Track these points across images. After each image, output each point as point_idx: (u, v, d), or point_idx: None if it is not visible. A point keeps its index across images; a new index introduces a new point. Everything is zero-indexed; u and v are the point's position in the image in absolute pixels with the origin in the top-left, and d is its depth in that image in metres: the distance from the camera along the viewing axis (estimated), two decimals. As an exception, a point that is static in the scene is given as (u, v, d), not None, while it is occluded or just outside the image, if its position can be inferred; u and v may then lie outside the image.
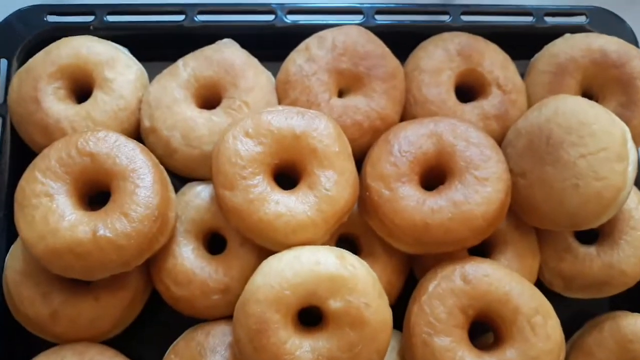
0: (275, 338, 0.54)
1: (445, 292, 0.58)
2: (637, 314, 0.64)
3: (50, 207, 0.58)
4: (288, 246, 0.58)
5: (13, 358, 0.65)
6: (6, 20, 0.70)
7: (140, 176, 0.59)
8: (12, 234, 0.65)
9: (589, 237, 0.67)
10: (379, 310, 0.56)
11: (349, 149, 0.61)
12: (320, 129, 0.60)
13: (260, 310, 0.54)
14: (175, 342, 0.63)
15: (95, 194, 0.62)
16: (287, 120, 0.60)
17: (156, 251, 0.60)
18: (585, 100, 0.62)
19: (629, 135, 0.60)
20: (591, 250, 0.66)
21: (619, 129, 0.59)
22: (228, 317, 0.62)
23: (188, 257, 0.63)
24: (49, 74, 0.65)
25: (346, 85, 0.68)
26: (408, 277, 0.66)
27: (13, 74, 0.68)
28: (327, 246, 0.58)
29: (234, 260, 0.62)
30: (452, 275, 0.59)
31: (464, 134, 0.62)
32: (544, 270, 0.66)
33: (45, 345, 0.62)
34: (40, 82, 0.65)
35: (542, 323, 0.57)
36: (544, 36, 0.73)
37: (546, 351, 0.56)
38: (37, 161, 0.60)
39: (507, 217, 0.65)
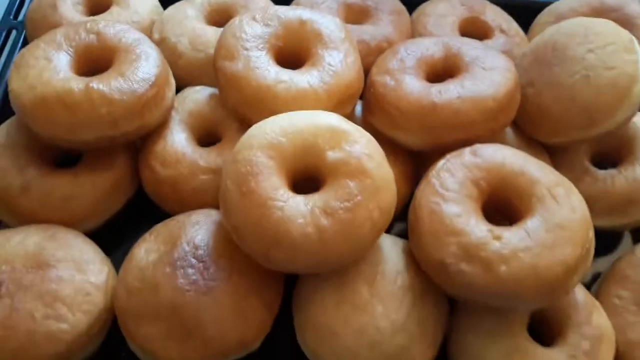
0: (266, 182, 0.48)
1: (455, 165, 0.53)
2: (671, 234, 0.58)
3: (47, 66, 0.56)
4: (286, 118, 0.55)
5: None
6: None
7: (144, 51, 0.59)
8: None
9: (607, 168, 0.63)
10: (382, 167, 0.50)
11: (355, 43, 0.61)
12: (326, 18, 0.61)
13: (252, 154, 0.49)
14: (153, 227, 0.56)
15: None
16: (294, 10, 0.61)
17: (147, 126, 0.57)
18: (585, 17, 0.63)
19: (635, 41, 0.59)
20: (611, 171, 0.61)
21: (624, 31, 0.59)
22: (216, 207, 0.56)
23: (180, 141, 0.59)
24: (71, -11, 0.69)
25: (354, 18, 0.70)
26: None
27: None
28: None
29: (228, 144, 0.58)
30: (461, 153, 0.54)
31: (469, 42, 0.63)
32: (563, 194, 0.61)
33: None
34: (62, -6, 0.68)
35: (565, 195, 0.50)
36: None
37: (573, 220, 0.49)
38: (44, 36, 0.60)
39: (518, 137, 0.62)
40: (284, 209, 0.47)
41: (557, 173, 0.53)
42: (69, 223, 0.56)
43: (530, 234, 0.48)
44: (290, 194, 0.49)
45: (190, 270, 0.49)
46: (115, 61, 0.58)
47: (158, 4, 0.73)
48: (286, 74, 0.56)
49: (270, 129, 0.51)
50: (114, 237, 0.60)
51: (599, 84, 0.56)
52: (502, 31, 0.70)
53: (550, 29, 0.63)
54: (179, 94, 0.63)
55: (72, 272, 0.51)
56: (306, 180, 0.52)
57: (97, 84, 0.54)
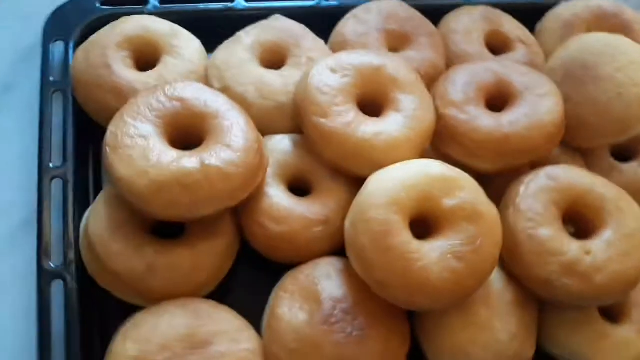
0: (400, 238, 0.54)
1: (536, 191, 0.62)
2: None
3: (147, 146, 0.56)
4: (386, 166, 0.60)
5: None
6: (59, 8, 0.71)
7: (233, 115, 0.60)
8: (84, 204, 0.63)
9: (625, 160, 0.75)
10: (489, 205, 0.58)
11: (423, 83, 0.66)
12: (395, 62, 0.65)
13: (382, 212, 0.55)
14: (278, 284, 0.60)
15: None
16: (364, 57, 0.65)
17: (255, 189, 0.60)
18: (604, 33, 0.73)
19: (645, 52, 0.70)
20: (632, 164, 0.73)
21: (638, 45, 0.70)
22: (327, 254, 0.61)
23: (281, 196, 0.62)
24: (116, 43, 0.66)
25: (395, 44, 0.74)
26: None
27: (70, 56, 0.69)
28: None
29: (327, 194, 0.63)
30: (537, 178, 0.63)
31: (513, 67, 0.70)
32: (598, 190, 0.72)
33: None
34: (109, 50, 0.65)
35: (628, 207, 0.61)
36: (542, 11, 0.84)
37: (638, 228, 0.60)
38: (125, 109, 0.59)
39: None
40: (422, 259, 0.54)
41: (616, 187, 0.63)
42: (193, 293, 0.59)
43: (609, 245, 0.59)
44: (418, 242, 0.55)
45: (343, 325, 0.55)
46: (207, 129, 0.59)
47: (200, 43, 0.72)
48: (379, 125, 0.61)
49: (390, 186, 0.56)
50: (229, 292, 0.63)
51: (630, 99, 0.67)
52: (522, 42, 0.78)
53: (574, 45, 0.72)
54: (262, 145, 0.65)
55: (228, 345, 0.55)
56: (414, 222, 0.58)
57: (210, 159, 0.56)
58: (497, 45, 0.79)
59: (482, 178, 0.64)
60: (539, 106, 0.66)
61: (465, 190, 0.57)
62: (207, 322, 0.55)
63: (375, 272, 0.55)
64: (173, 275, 0.58)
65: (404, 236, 0.55)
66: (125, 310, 0.57)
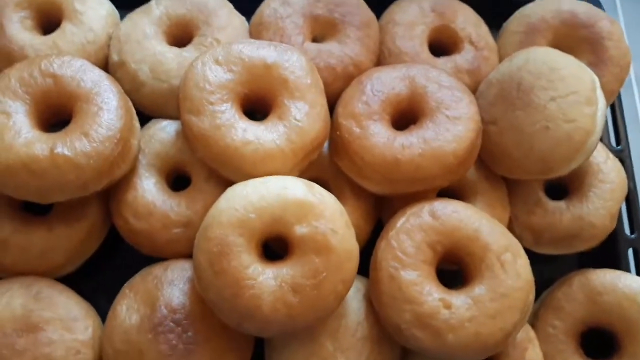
0: (236, 262, 0.52)
1: (414, 227, 0.56)
2: (605, 269, 0.64)
3: (7, 124, 0.55)
4: (255, 177, 0.56)
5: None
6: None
7: (105, 100, 0.57)
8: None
9: (559, 194, 0.67)
10: (346, 238, 0.54)
11: (321, 85, 0.60)
12: (292, 60, 0.59)
13: (223, 233, 0.52)
14: (131, 279, 0.59)
15: (56, 123, 0.60)
16: (258, 50, 0.59)
17: (116, 179, 0.58)
18: (554, 50, 0.63)
19: (597, 84, 0.60)
20: (561, 204, 0.65)
21: (588, 75, 0.60)
22: (189, 255, 0.60)
23: (150, 189, 0.60)
24: (15, 2, 0.64)
25: (320, 31, 0.67)
26: (377, 225, 0.64)
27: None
28: (295, 177, 0.56)
29: (197, 194, 0.60)
30: (420, 212, 0.57)
31: (436, 77, 0.62)
32: (514, 224, 0.65)
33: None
34: (6, 9, 0.63)
35: (512, 261, 0.55)
36: (516, 4, 0.74)
37: (516, 288, 0.54)
38: (-4, 80, 0.58)
39: (477, 168, 0.65)
40: (254, 287, 0.51)
41: (507, 234, 0.57)
42: (48, 272, 0.59)
43: (476, 303, 0.54)
44: (260, 268, 0.52)
45: (170, 335, 0.54)
46: (75, 112, 0.57)
47: (112, 8, 0.68)
48: (253, 132, 0.56)
49: (240, 205, 0.53)
50: (90, 270, 0.63)
51: (557, 137, 0.58)
52: (471, 43, 0.69)
53: (518, 59, 0.63)
54: (144, 130, 0.62)
55: (61, 332, 0.55)
56: (275, 239, 0.55)
57: (62, 148, 0.54)
58: (443, 43, 0.70)
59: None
60: (445, 131, 0.58)
61: (321, 219, 0.53)
62: (45, 306, 0.56)
63: (208, 292, 0.53)
64: (26, 253, 0.58)
65: (243, 260, 0.52)
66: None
